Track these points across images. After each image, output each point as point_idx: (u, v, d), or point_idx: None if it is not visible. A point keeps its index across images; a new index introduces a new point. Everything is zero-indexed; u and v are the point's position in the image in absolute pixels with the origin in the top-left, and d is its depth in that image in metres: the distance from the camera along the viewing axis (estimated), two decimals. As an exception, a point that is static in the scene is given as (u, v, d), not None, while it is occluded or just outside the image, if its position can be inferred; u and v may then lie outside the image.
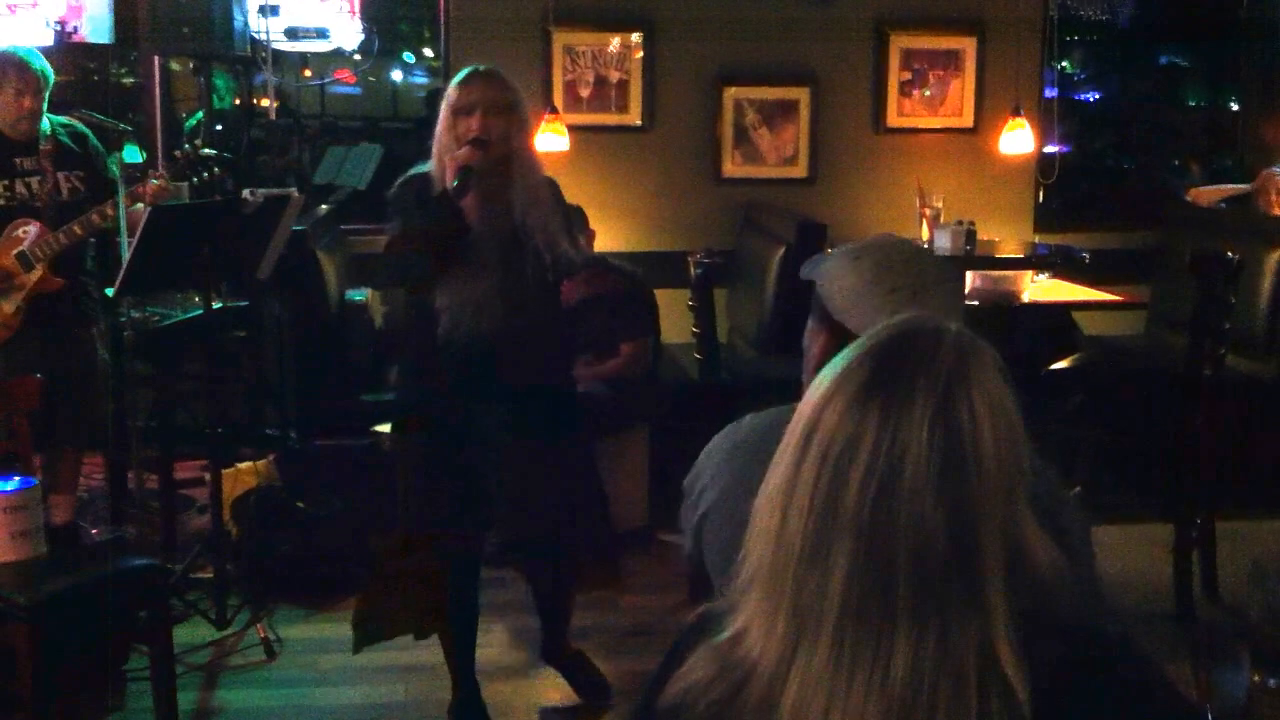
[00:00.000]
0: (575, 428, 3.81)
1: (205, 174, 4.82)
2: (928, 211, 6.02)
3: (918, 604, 1.14)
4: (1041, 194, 6.97)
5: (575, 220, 3.90)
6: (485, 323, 3.47)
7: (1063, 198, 7.50)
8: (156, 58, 6.28)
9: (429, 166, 3.57)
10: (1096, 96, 10.34)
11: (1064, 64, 9.86)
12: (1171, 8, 9.72)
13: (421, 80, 12.13)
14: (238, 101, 6.80)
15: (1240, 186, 6.87)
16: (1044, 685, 1.14)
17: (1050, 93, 7.22)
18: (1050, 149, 7.02)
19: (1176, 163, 9.20)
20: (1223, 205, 6.85)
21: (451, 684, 3.80)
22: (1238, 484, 5.10)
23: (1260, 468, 5.35)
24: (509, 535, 3.86)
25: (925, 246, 1.81)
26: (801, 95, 6.66)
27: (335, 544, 4.75)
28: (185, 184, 5.26)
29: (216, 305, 4.68)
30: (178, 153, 4.93)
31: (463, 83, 3.50)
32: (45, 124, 4.75)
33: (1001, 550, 1.16)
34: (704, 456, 1.95)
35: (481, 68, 3.56)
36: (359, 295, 6.12)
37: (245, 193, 5.35)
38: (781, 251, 5.77)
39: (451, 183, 3.39)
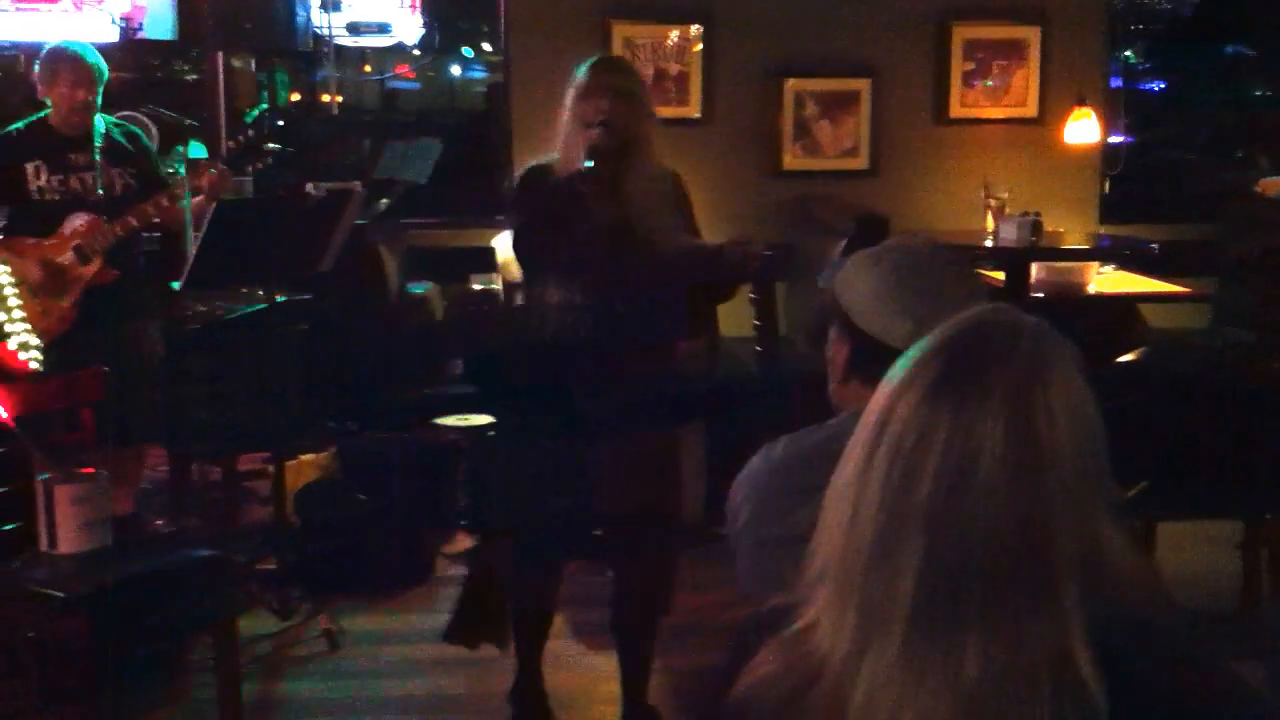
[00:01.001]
0: (678, 422, 3.83)
1: (261, 165, 4.85)
2: (992, 203, 5.96)
3: (989, 604, 1.11)
4: (1107, 185, 6.88)
5: (692, 214, 3.91)
6: (593, 314, 3.51)
7: (1127, 189, 7.40)
8: (220, 54, 6.33)
9: (549, 159, 3.62)
10: (1160, 87, 10.20)
11: (1128, 54, 9.74)
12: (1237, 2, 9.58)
13: (480, 75, 12.17)
14: (298, 97, 6.85)
15: (1310, 177, 6.76)
16: (1127, 690, 1.11)
17: (1114, 83, 7.14)
18: (1115, 139, 6.94)
19: (1241, 154, 9.06)
20: (1291, 195, 6.74)
21: (517, 669, 3.80)
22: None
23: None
24: (604, 529, 3.82)
25: (941, 245, 1.81)
26: (862, 87, 6.61)
27: (396, 536, 4.77)
28: (249, 179, 5.30)
29: (279, 299, 4.71)
30: (231, 142, 4.96)
31: (588, 69, 3.58)
32: (99, 121, 4.78)
33: (1077, 553, 1.13)
34: (741, 478, 1.94)
35: (606, 55, 3.64)
36: (419, 288, 6.14)
37: (308, 187, 5.39)
38: (842, 245, 5.72)
39: (583, 164, 3.44)
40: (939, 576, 1.13)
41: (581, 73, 3.59)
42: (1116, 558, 1.17)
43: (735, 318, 5.56)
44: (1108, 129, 6.73)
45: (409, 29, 6.33)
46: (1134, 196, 7.55)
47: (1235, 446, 4.91)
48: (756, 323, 4.62)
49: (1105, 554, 1.16)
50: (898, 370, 1.20)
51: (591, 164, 3.43)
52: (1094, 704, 1.10)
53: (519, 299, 3.97)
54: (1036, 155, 6.61)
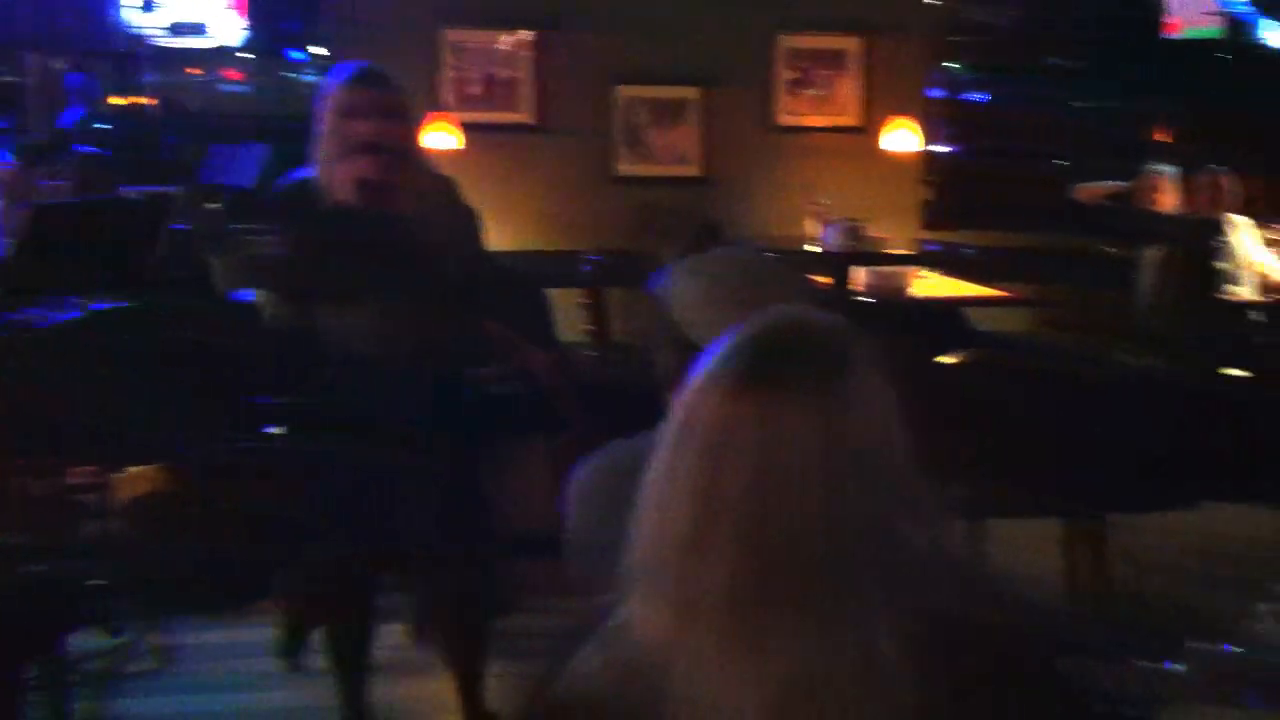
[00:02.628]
0: (477, 441, 3.76)
1: (71, 168, 4.72)
2: (816, 209, 6.09)
3: (799, 598, 1.14)
4: (929, 192, 7.06)
5: (475, 223, 3.82)
6: (380, 340, 3.40)
7: (951, 196, 7.61)
8: (34, 55, 6.13)
9: (315, 171, 3.43)
10: (985, 98, 10.47)
11: (955, 65, 10.00)
12: (1060, 11, 9.88)
13: (311, 79, 11.99)
14: (120, 99, 6.67)
15: (1122, 184, 7.03)
16: (939, 680, 1.14)
17: (938, 93, 7.33)
18: (946, 148, 7.13)
19: (1064, 162, 9.33)
20: (1107, 203, 7.00)
21: (337, 684, 3.74)
22: (1126, 479, 5.20)
23: (1148, 461, 5.45)
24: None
25: (763, 253, 1.86)
26: (693, 95, 6.69)
27: (232, 549, 4.66)
28: (65, 183, 5.14)
29: (98, 306, 4.57)
30: (29, 144, 4.82)
31: (347, 84, 3.35)
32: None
33: (882, 544, 1.16)
34: (569, 484, 1.96)
35: (366, 66, 3.47)
36: (249, 295, 6.01)
37: (130, 191, 5.26)
38: (676, 251, 5.78)
39: (349, 197, 3.30)
40: (749, 570, 1.15)
41: (339, 86, 3.35)
42: (926, 554, 1.20)
43: (568, 324, 5.59)
44: (928, 138, 6.91)
45: (231, 30, 6.21)
46: (958, 204, 7.76)
47: (1057, 446, 5.09)
48: (589, 328, 4.64)
49: (913, 551, 1.19)
50: (703, 368, 1.23)
51: (363, 202, 3.27)
52: (903, 700, 1.12)
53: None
54: (860, 163, 6.76)
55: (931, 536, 1.22)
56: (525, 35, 6.53)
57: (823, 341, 1.21)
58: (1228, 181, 6.46)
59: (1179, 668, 1.93)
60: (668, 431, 1.23)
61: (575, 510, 1.90)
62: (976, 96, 9.37)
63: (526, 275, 5.28)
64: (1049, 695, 1.24)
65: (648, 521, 1.22)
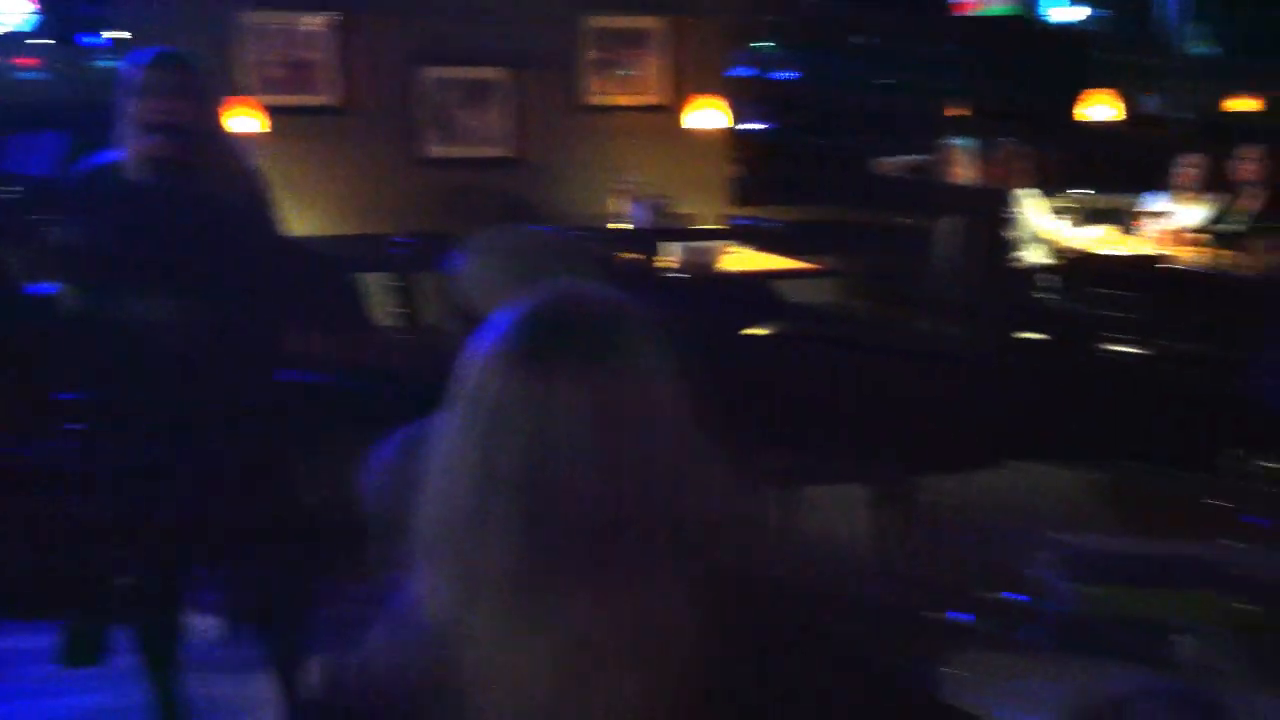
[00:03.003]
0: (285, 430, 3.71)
1: None
2: (622, 187, 6.15)
3: (577, 568, 1.15)
4: (737, 169, 7.18)
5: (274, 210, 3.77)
6: (180, 326, 3.36)
7: (758, 173, 7.75)
8: None
9: (118, 155, 3.38)
10: (791, 75, 10.66)
11: (760, 43, 10.16)
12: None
13: (109, 65, 11.62)
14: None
15: (919, 158, 7.25)
16: (724, 643, 1.17)
17: (744, 72, 7.45)
18: (752, 126, 7.25)
19: (868, 138, 9.55)
20: (906, 176, 7.22)
21: (147, 681, 3.68)
22: (930, 441, 5.38)
23: (950, 424, 5.64)
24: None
25: (549, 232, 1.91)
26: (500, 76, 6.69)
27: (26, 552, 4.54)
28: None
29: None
30: None
31: (145, 65, 3.35)
32: None
33: (662, 513, 1.18)
34: (365, 466, 1.97)
35: (164, 49, 3.44)
36: (49, 288, 5.83)
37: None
38: (489, 232, 5.79)
39: (146, 175, 3.26)
40: (530, 545, 1.16)
41: (137, 69, 3.35)
42: (713, 521, 1.22)
43: (377, 307, 5.56)
44: (735, 115, 7.03)
45: (21, 15, 5.99)
46: (766, 179, 7.91)
47: (863, 412, 5.25)
48: (398, 311, 4.63)
49: (696, 518, 1.20)
50: (478, 344, 1.24)
51: (158, 179, 3.26)
52: (687, 665, 1.16)
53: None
54: (668, 142, 6.85)
55: (720, 503, 1.24)
56: (328, 17, 6.45)
57: (595, 315, 1.23)
58: (1021, 154, 6.72)
59: (968, 618, 2.04)
60: (450, 407, 1.24)
61: (369, 489, 1.91)
62: (781, 74, 9.53)
63: (335, 259, 5.24)
64: (828, 653, 1.26)
65: (430, 499, 1.23)
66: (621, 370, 1.20)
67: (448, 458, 1.22)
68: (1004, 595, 1.92)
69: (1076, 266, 5.93)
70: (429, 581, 1.23)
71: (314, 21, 6.45)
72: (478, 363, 1.23)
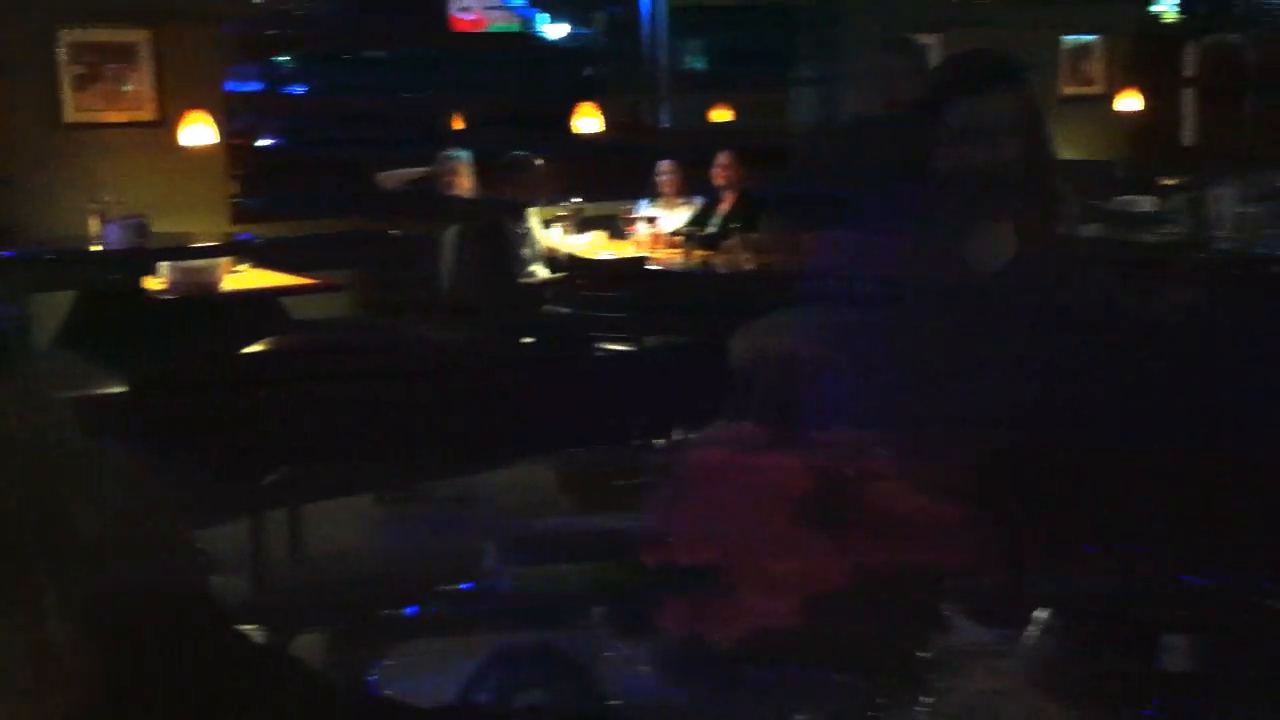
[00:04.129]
0: None
1: None
2: (97, 207, 5.94)
3: None
4: (238, 185, 7.06)
5: None
6: None
7: (261, 188, 7.66)
8: None
9: None
10: (294, 89, 10.58)
11: (263, 56, 10.03)
12: (374, 8, 10.12)
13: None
14: None
15: (421, 170, 7.37)
16: (134, 663, 1.19)
17: (246, 85, 7.33)
18: (253, 140, 7.15)
19: (370, 150, 9.58)
20: (408, 189, 7.32)
21: None
22: (439, 447, 5.48)
23: (456, 432, 5.76)
24: None
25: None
26: (-27, 92, 6.30)
27: None
28: None
29: None
30: None
31: None
32: None
33: (52, 531, 1.19)
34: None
35: None
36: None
37: None
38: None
39: None
40: None
41: None
42: (109, 542, 1.23)
43: None
44: (234, 130, 6.91)
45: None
46: (268, 195, 7.83)
47: (368, 423, 5.30)
48: None
49: (90, 539, 1.22)
50: None
51: None
52: (83, 680, 1.16)
53: None
54: (160, 159, 6.65)
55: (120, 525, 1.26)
56: None
57: None
58: (519, 165, 6.94)
59: (415, 611, 2.14)
60: None
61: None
62: (284, 88, 9.46)
63: None
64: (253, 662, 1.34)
65: None
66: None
67: None
68: (458, 586, 2.04)
69: (572, 272, 6.22)
70: None
71: None
72: None
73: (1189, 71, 9.94)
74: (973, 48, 4.18)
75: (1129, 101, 9.57)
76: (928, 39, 2.76)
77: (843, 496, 1.42)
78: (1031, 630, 1.50)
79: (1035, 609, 1.51)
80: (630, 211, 7.31)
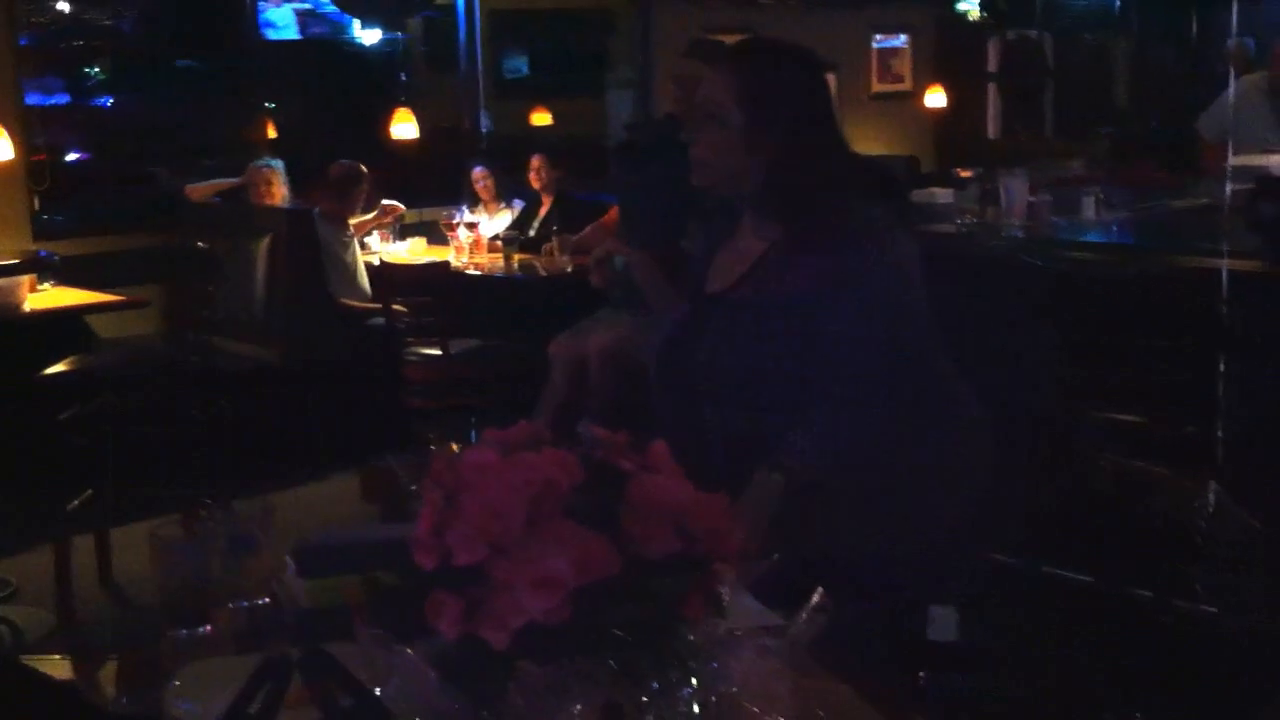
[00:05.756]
0: None
1: None
2: None
3: None
4: (40, 202, 6.84)
5: None
6: None
7: (65, 204, 7.47)
8: None
9: None
10: (110, 101, 10.32)
11: (93, 69, 9.77)
12: (181, 18, 9.91)
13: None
14: None
15: (231, 181, 7.24)
16: None
17: (49, 99, 7.12)
18: (55, 155, 6.93)
19: (175, 162, 9.37)
20: (217, 199, 7.19)
21: None
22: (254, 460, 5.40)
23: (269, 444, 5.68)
24: None
25: None
26: None
27: None
28: None
29: None
30: None
31: None
32: None
33: None
34: None
35: None
36: None
37: None
38: None
39: None
40: None
41: None
42: None
43: None
44: (27, 145, 6.66)
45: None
46: (72, 211, 7.63)
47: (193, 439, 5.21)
48: None
49: None
50: None
51: None
52: None
53: None
54: None
55: None
56: None
57: None
58: (343, 173, 6.81)
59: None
60: None
61: None
62: (90, 100, 9.23)
63: None
64: None
65: None
66: None
67: None
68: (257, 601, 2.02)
69: (387, 278, 6.17)
70: None
71: None
72: None
73: (991, 67, 10.29)
74: None
75: (935, 97, 9.87)
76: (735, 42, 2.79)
77: (617, 489, 1.45)
78: (804, 609, 1.55)
79: (808, 588, 1.56)
80: (451, 217, 7.28)
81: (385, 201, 7.10)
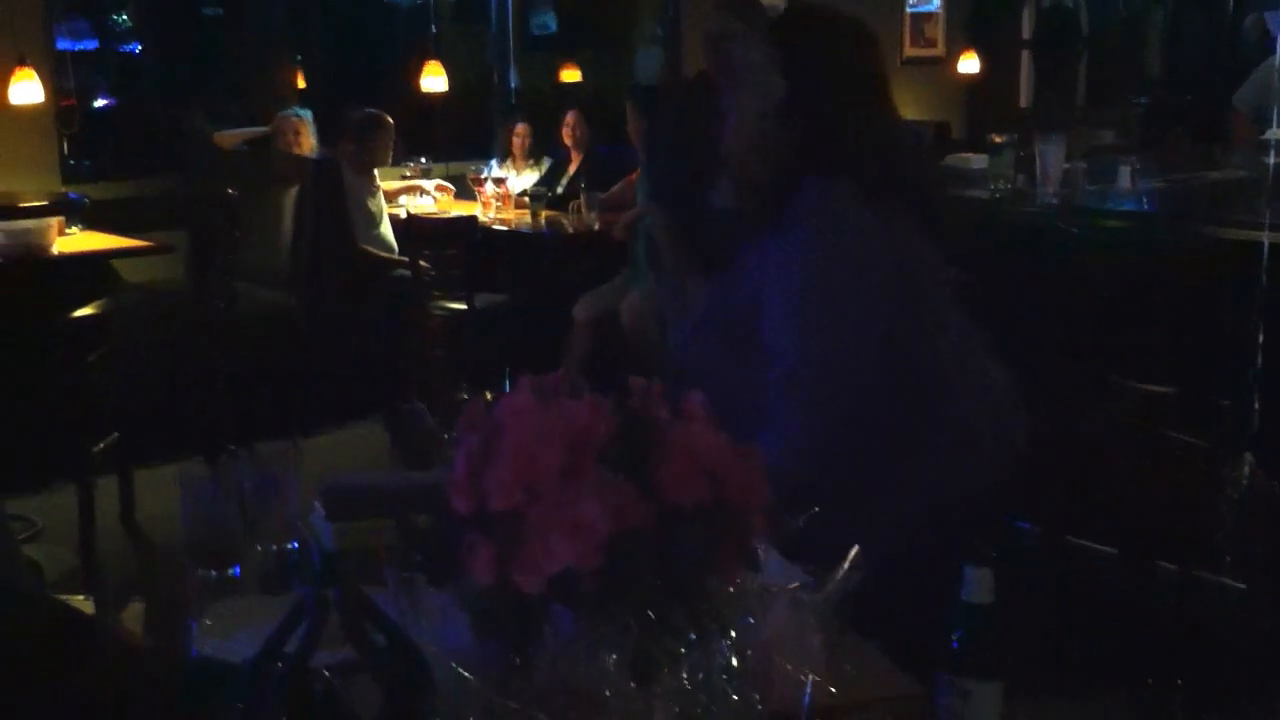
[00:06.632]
0: None
1: None
2: None
3: None
4: (69, 145, 6.83)
5: None
6: None
7: (94, 148, 7.46)
8: None
9: None
10: (125, 48, 10.32)
11: (120, 16, 9.76)
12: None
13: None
14: None
15: (259, 129, 7.22)
16: None
17: (75, 44, 7.09)
18: (87, 100, 6.92)
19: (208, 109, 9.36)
20: (245, 148, 7.17)
21: None
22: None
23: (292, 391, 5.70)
24: None
25: None
26: None
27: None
28: None
29: None
30: None
31: None
32: None
33: None
34: None
35: None
36: None
37: None
38: None
39: None
40: None
41: None
42: None
43: None
44: (56, 89, 6.65)
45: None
46: (101, 155, 7.62)
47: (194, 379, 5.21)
48: None
49: None
50: None
51: None
52: None
53: None
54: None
55: None
56: None
57: None
58: (370, 123, 6.79)
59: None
60: None
61: None
62: (114, 46, 9.21)
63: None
64: None
65: None
66: None
67: None
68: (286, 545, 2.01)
69: (414, 231, 6.15)
70: None
71: None
72: None
73: (1025, 34, 10.17)
74: None
75: (968, 63, 9.76)
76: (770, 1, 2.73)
77: (650, 437, 1.42)
78: (839, 567, 1.53)
79: (843, 546, 1.54)
80: (479, 172, 7.26)
81: (439, 181, 7.07)
